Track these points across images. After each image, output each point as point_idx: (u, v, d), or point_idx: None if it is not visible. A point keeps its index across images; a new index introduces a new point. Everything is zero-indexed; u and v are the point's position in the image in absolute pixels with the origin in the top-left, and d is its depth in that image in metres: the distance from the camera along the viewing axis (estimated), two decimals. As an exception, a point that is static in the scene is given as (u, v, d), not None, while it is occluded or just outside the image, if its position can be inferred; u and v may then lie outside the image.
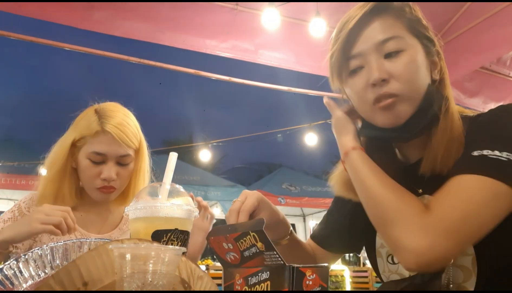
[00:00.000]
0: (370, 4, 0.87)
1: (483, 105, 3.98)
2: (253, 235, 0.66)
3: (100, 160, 1.27)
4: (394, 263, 0.93)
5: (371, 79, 0.84)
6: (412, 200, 0.76)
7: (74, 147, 1.31)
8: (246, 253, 0.69)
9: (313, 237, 1.17)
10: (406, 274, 0.88)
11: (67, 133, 1.34)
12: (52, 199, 1.31)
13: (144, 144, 1.40)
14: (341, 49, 0.88)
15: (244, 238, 0.68)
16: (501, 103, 0.84)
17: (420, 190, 0.90)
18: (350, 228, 1.06)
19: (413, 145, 0.93)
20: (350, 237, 1.08)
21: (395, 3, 0.89)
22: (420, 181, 0.89)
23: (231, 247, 0.72)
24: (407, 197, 0.77)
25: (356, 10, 0.88)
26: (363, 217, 0.94)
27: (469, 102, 3.96)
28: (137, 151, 1.36)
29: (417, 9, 0.92)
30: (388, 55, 0.85)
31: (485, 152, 0.73)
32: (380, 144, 0.96)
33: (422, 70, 0.86)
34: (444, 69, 0.92)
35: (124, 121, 1.31)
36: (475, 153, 0.74)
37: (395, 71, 0.83)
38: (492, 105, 0.86)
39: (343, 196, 0.99)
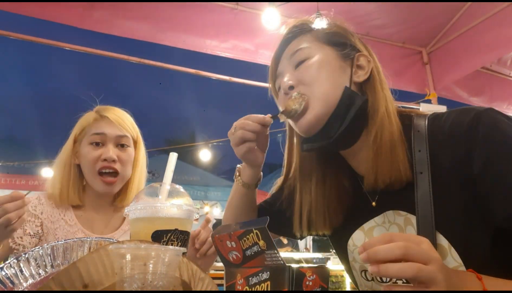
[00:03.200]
0: (289, 29, 0.96)
1: (489, 103, 3.97)
2: (256, 232, 0.66)
3: (99, 139, 1.34)
4: (368, 280, 0.91)
5: (282, 89, 0.90)
6: None
7: (75, 142, 1.39)
8: (248, 252, 0.69)
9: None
10: (381, 288, 0.87)
11: (70, 135, 1.41)
12: (58, 198, 1.35)
13: (141, 140, 1.47)
14: (270, 76, 0.99)
15: (247, 236, 0.68)
16: (506, 102, 0.82)
17: (374, 203, 0.89)
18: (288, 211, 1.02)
19: (358, 157, 0.91)
20: (286, 220, 1.02)
21: (314, 25, 0.95)
22: (373, 194, 0.89)
23: (234, 246, 0.72)
24: None
25: (282, 36, 0.97)
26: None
27: (474, 100, 3.96)
28: (135, 142, 1.43)
29: (340, 22, 0.97)
30: (298, 65, 0.90)
31: None
32: (330, 159, 0.95)
33: (331, 72, 0.87)
34: (375, 73, 0.90)
35: (120, 113, 1.42)
36: None
37: (301, 76, 0.89)
38: (498, 103, 0.84)
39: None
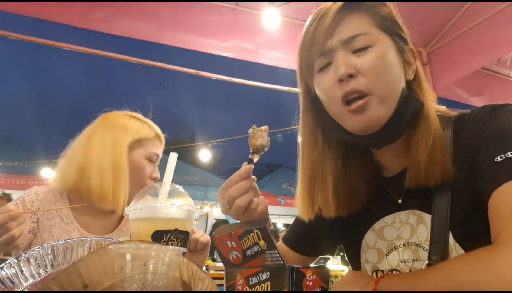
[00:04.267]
0: (343, 2, 0.84)
1: (489, 103, 3.96)
2: (257, 232, 0.66)
3: (155, 159, 1.47)
4: None
5: (338, 75, 0.79)
6: (470, 256, 0.67)
7: (130, 148, 1.42)
8: (249, 252, 0.69)
9: (284, 240, 1.11)
10: None
11: (116, 135, 1.39)
12: (108, 200, 1.34)
13: None
14: (310, 45, 0.85)
15: (248, 236, 0.68)
16: (507, 102, 0.82)
17: (400, 201, 0.88)
18: (326, 232, 1.02)
19: (392, 153, 0.89)
20: (325, 240, 1.05)
21: (368, 2, 0.85)
22: (400, 191, 0.88)
23: (235, 245, 0.72)
24: (463, 260, 0.67)
25: (328, 6, 0.85)
26: (339, 225, 0.93)
27: (474, 100, 3.96)
28: None
29: (392, 8, 0.88)
30: (356, 52, 0.81)
31: (509, 154, 0.70)
32: (356, 150, 0.91)
33: (393, 67, 0.81)
34: (419, 71, 0.87)
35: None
36: (498, 159, 0.71)
37: (362, 66, 0.79)
38: (499, 103, 0.83)
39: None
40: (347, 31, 0.81)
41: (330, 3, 0.85)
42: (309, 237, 1.07)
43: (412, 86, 0.86)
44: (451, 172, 0.79)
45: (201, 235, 1.33)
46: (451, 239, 0.78)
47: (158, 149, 1.49)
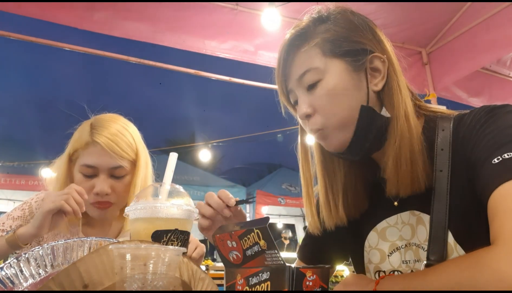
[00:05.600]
0: (288, 36, 0.88)
1: (488, 104, 3.96)
2: (257, 232, 0.66)
3: (91, 173, 1.22)
4: None
5: (299, 117, 0.88)
6: (469, 257, 0.66)
7: (70, 161, 1.28)
8: (249, 252, 0.69)
9: (301, 258, 1.14)
10: None
11: (67, 147, 1.31)
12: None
13: (143, 156, 1.31)
14: (279, 88, 0.93)
15: (248, 236, 0.68)
16: (505, 102, 0.83)
17: (396, 203, 0.89)
18: (335, 240, 1.03)
19: (383, 157, 0.89)
20: (337, 249, 1.07)
21: (311, 27, 0.87)
22: (396, 195, 0.88)
23: (235, 245, 0.72)
24: (462, 261, 0.67)
25: (283, 41, 0.90)
26: (346, 231, 0.94)
27: (473, 101, 3.96)
28: (134, 163, 1.28)
29: (343, 17, 0.87)
30: (309, 88, 0.85)
31: (505, 156, 0.71)
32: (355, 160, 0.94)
33: (347, 94, 0.83)
34: (392, 73, 0.86)
35: (118, 131, 1.25)
36: (495, 160, 0.71)
37: (316, 104, 0.84)
38: (498, 103, 0.83)
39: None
40: (296, 69, 0.86)
41: (284, 40, 0.89)
42: (321, 249, 1.08)
43: (381, 94, 0.86)
44: (425, 179, 0.81)
45: (194, 249, 1.19)
46: (452, 239, 0.78)
47: (94, 158, 1.21)
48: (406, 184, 0.82)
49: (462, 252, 0.76)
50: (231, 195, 0.93)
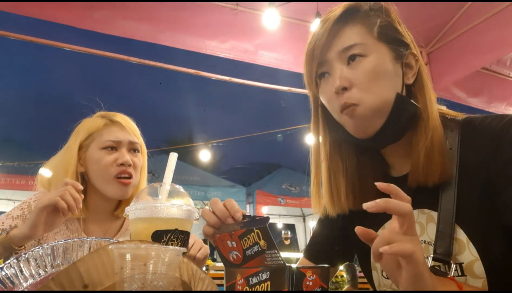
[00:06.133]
0: (340, 10, 0.88)
1: (487, 104, 3.97)
2: (257, 232, 0.66)
3: (115, 145, 1.33)
4: (388, 278, 0.91)
5: (334, 88, 0.85)
6: None
7: (81, 149, 1.34)
8: (249, 252, 0.69)
9: (307, 256, 1.14)
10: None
11: (70, 141, 1.37)
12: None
13: (144, 146, 1.45)
14: (311, 59, 0.90)
15: (248, 236, 0.68)
16: (505, 102, 0.83)
17: None
18: (342, 240, 1.04)
19: (397, 153, 0.92)
20: (343, 248, 1.07)
21: (365, 8, 0.88)
22: (406, 191, 0.89)
23: (235, 245, 0.72)
24: None
25: (326, 18, 0.89)
26: (353, 230, 0.94)
27: (473, 101, 3.96)
28: (140, 148, 1.42)
29: (391, 11, 0.90)
30: (351, 62, 0.85)
31: None
32: (366, 150, 0.95)
33: (386, 78, 0.84)
34: (422, 72, 0.89)
35: (128, 118, 1.41)
36: None
37: (355, 79, 0.84)
38: (497, 104, 0.84)
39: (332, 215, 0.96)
40: (342, 42, 0.86)
41: (330, 14, 0.89)
42: (328, 248, 1.09)
43: (412, 89, 0.88)
44: (449, 172, 0.81)
45: (198, 249, 1.23)
46: (464, 236, 0.78)
47: (116, 134, 1.34)
48: (434, 175, 0.82)
49: (474, 250, 0.77)
50: (237, 207, 0.86)
